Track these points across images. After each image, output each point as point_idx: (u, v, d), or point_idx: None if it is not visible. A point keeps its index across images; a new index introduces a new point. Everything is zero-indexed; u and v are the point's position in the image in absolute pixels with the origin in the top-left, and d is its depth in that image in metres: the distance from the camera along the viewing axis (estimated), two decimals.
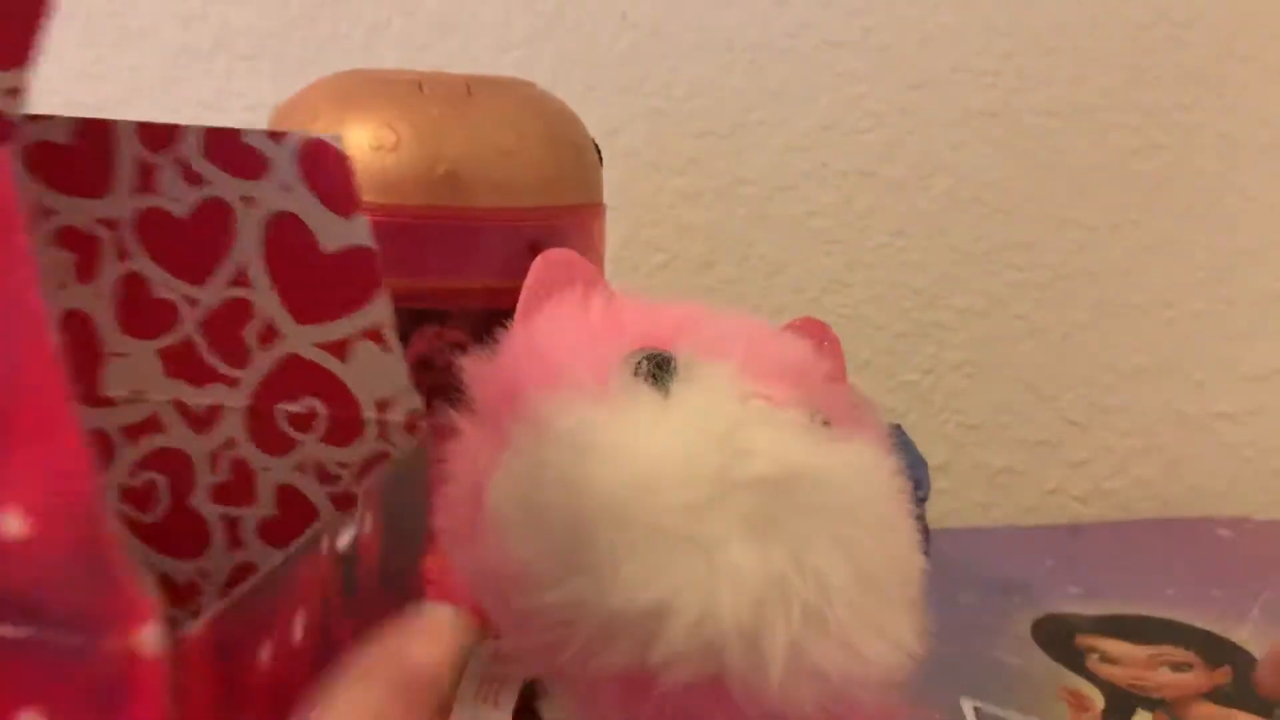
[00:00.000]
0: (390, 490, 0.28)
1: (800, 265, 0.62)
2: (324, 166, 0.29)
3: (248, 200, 0.30)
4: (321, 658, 0.24)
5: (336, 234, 0.30)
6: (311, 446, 0.33)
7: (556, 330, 0.28)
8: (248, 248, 0.31)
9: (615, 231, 0.46)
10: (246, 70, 0.58)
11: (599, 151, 0.44)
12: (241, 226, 0.31)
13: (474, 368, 0.28)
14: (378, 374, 0.31)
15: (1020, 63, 0.61)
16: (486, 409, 0.27)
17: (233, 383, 0.32)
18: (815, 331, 0.30)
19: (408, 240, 0.38)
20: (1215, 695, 0.44)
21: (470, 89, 0.41)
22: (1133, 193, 0.62)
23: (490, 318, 0.36)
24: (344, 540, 0.25)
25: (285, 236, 0.30)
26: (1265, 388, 0.64)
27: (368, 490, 0.27)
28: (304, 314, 0.31)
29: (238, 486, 0.34)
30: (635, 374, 0.25)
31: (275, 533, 0.34)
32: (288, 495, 0.33)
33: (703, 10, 0.60)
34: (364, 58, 0.58)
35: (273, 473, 0.33)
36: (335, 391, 0.32)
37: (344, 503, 0.28)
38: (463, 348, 0.31)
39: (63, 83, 0.57)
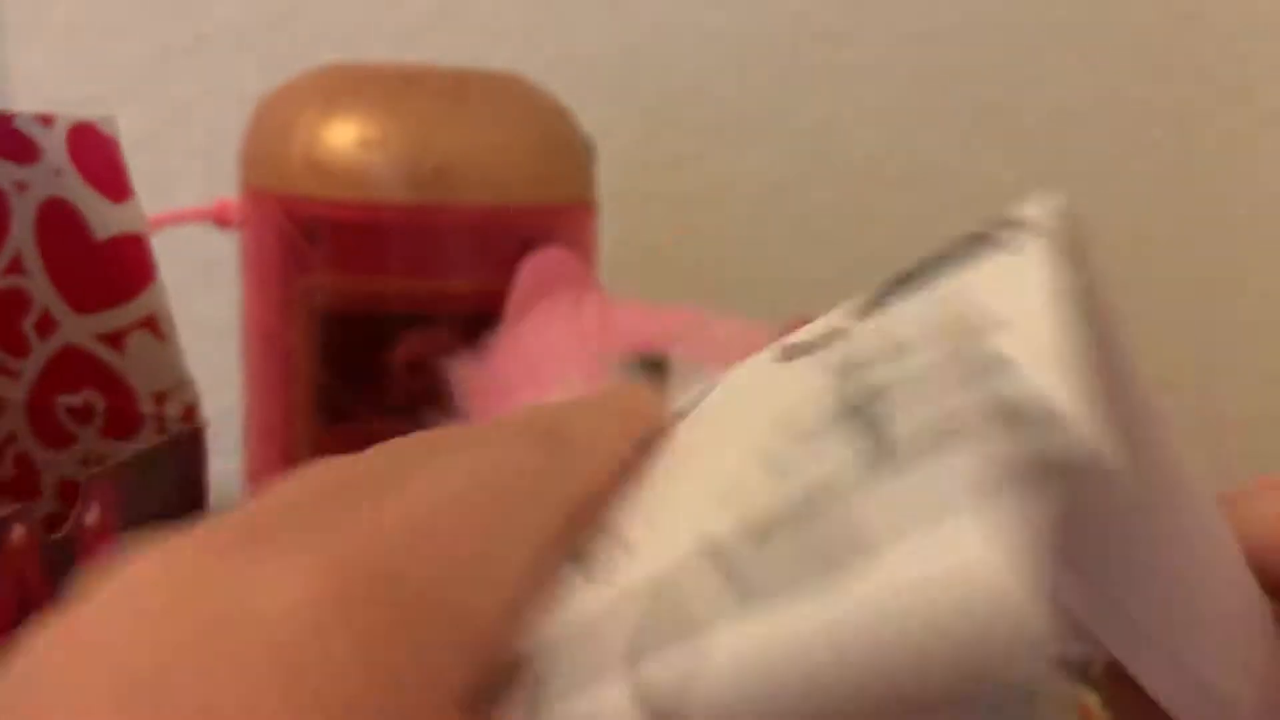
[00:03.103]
0: (133, 484, 0.28)
1: (798, 266, 0.61)
2: (94, 150, 0.29)
3: (21, 186, 0.30)
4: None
5: (108, 221, 0.30)
6: (92, 440, 0.33)
7: (548, 334, 0.27)
8: (22, 234, 0.31)
9: (608, 231, 0.45)
10: (231, 65, 0.57)
11: (592, 149, 0.43)
12: (15, 213, 0.30)
13: (463, 372, 0.27)
14: (154, 366, 0.32)
15: (1022, 58, 0.60)
16: (475, 416, 0.26)
17: (13, 375, 0.32)
18: None
19: (394, 239, 0.37)
20: None
21: (460, 83, 0.40)
22: (1137, 191, 0.61)
23: (480, 320, 0.35)
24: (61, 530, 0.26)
25: (57, 223, 0.30)
26: (1277, 389, 0.64)
27: (93, 481, 0.27)
28: (80, 303, 0.31)
29: (21, 481, 0.33)
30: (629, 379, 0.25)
31: (59, 528, 0.35)
32: (70, 490, 0.33)
33: (698, 6, 0.59)
34: (352, 51, 0.57)
35: (55, 468, 0.33)
36: (113, 384, 0.32)
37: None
38: (451, 351, 0.30)
39: (46, 80, 0.56)
